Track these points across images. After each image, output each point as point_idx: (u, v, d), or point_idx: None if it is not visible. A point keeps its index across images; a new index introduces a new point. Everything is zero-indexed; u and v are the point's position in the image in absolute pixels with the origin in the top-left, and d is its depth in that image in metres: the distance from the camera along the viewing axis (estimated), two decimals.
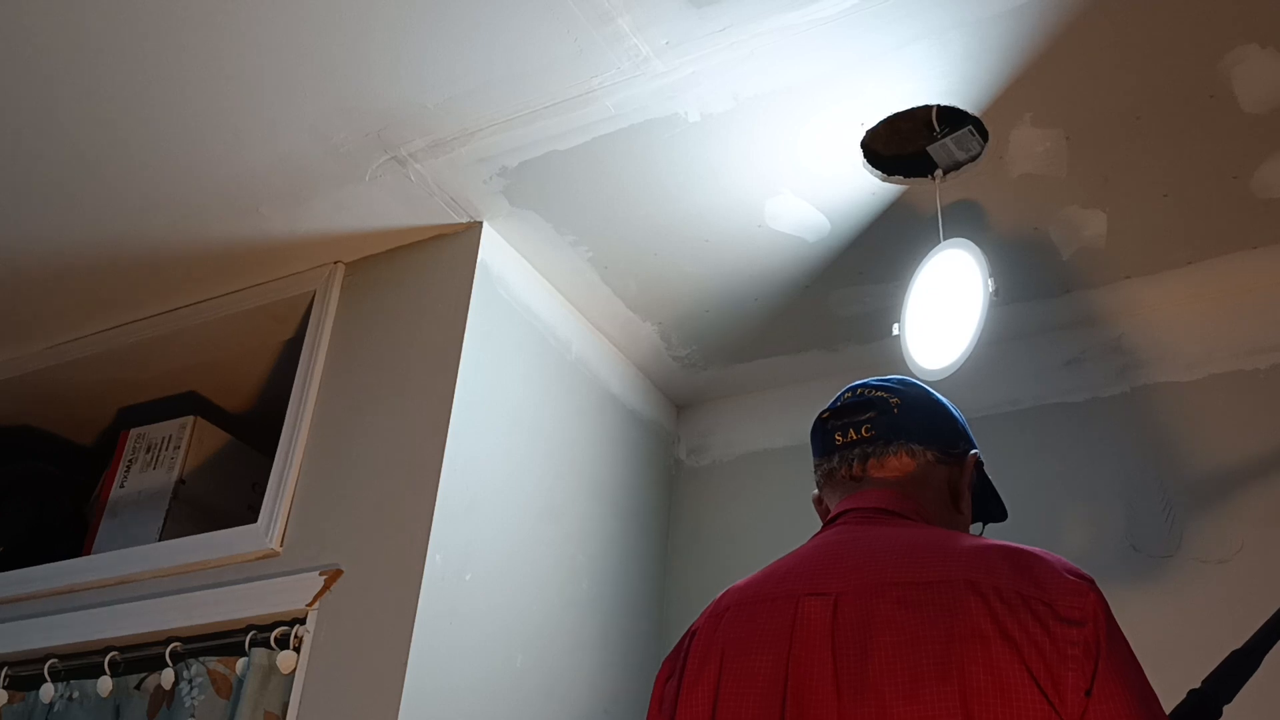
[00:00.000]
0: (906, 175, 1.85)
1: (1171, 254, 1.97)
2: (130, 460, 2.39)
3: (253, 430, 2.48)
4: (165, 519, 2.23)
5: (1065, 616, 1.02)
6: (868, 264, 2.04)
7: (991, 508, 1.40)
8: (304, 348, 2.10)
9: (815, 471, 1.34)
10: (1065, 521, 1.97)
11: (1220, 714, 1.16)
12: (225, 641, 1.85)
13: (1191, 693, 1.16)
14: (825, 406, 1.35)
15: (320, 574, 1.80)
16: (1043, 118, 1.71)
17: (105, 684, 1.92)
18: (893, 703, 1.02)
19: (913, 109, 1.73)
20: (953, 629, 1.03)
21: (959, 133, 1.75)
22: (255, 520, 1.93)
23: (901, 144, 1.82)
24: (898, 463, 1.27)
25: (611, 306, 2.21)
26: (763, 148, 1.80)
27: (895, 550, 1.14)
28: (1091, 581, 1.06)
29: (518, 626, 1.87)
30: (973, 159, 1.81)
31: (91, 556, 2.16)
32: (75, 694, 1.95)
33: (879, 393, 1.31)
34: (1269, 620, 1.23)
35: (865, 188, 1.88)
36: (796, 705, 1.06)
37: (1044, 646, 1.00)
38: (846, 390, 1.35)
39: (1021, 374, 2.16)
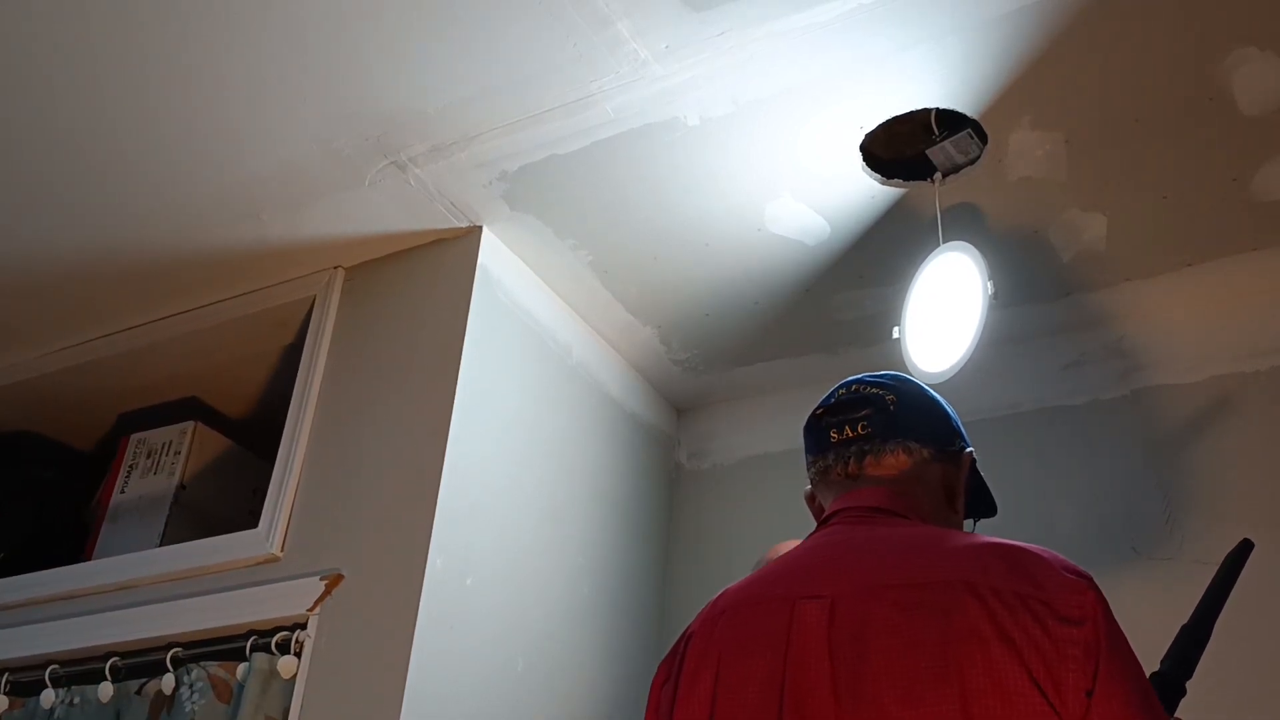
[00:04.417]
0: (906, 178, 1.85)
1: (1171, 256, 1.97)
2: (131, 465, 2.39)
3: (253, 435, 2.48)
4: (166, 524, 2.23)
5: (1064, 616, 1.01)
6: (868, 267, 2.04)
7: (983, 505, 1.40)
8: (304, 353, 2.10)
9: (809, 469, 1.33)
10: (1066, 524, 1.97)
11: (1184, 691, 1.16)
12: (226, 647, 1.85)
13: (1152, 676, 1.16)
14: (819, 403, 1.34)
15: (321, 579, 1.80)
16: (1042, 121, 1.71)
17: (106, 689, 1.92)
18: (892, 707, 1.01)
19: (912, 112, 1.73)
20: (950, 631, 1.02)
21: (958, 136, 1.75)
22: (256, 525, 1.93)
23: (901, 147, 1.82)
24: (894, 460, 1.26)
25: (612, 310, 2.21)
26: (762, 151, 1.80)
27: (891, 551, 1.13)
28: (1090, 579, 1.06)
29: (518, 630, 1.87)
30: (972, 162, 1.81)
31: (92, 562, 2.16)
32: (76, 699, 1.95)
33: (874, 389, 1.30)
34: (1207, 591, 1.23)
35: (865, 191, 1.88)
36: (795, 710, 1.06)
37: (1043, 647, 1.00)
38: (840, 387, 1.33)
39: (1022, 377, 2.16)
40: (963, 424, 1.35)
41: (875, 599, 1.08)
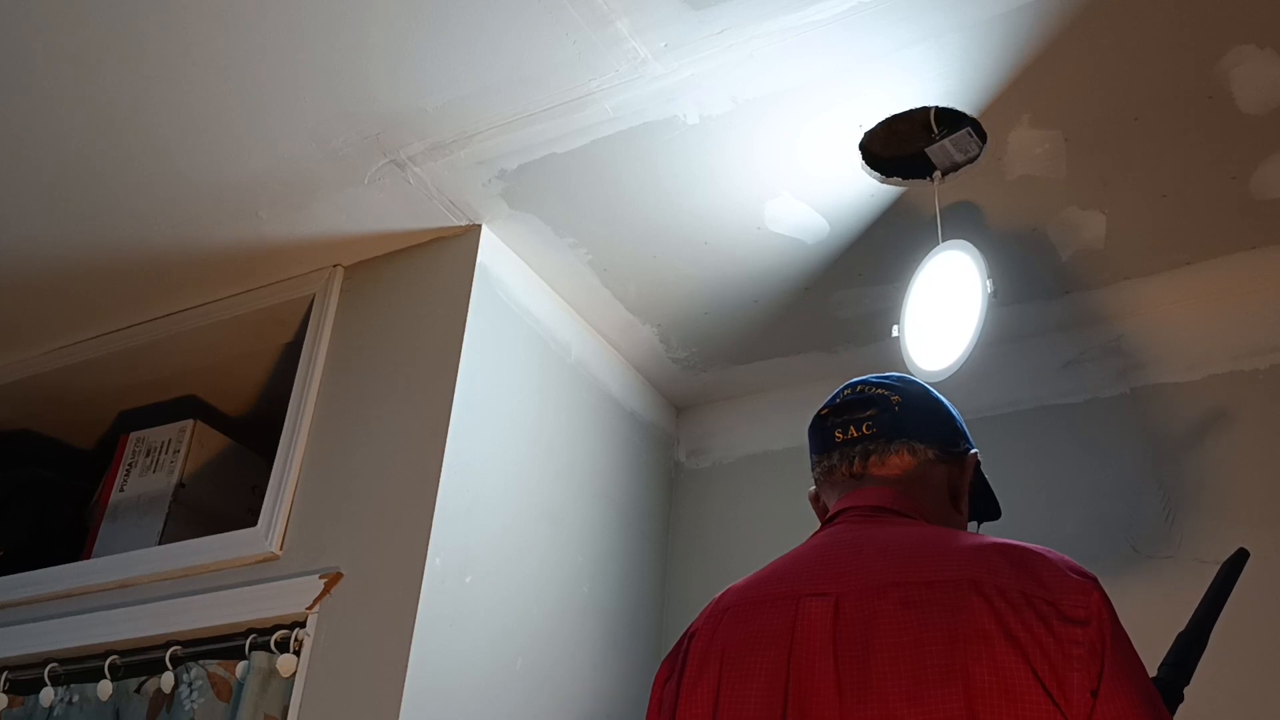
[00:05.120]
0: (905, 177, 1.85)
1: (1170, 255, 1.97)
2: (130, 464, 2.39)
3: (252, 433, 2.48)
4: (165, 522, 2.23)
5: (1069, 616, 1.02)
6: (867, 266, 2.05)
7: (987, 507, 1.40)
8: (303, 351, 2.10)
9: (813, 469, 1.34)
10: (1065, 523, 1.97)
11: (1182, 698, 1.16)
12: (225, 645, 1.85)
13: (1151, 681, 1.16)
14: (823, 404, 1.34)
15: (320, 577, 1.80)
16: (1041, 119, 1.71)
17: (105, 688, 1.92)
18: (896, 705, 1.01)
19: (911, 111, 1.73)
20: (956, 630, 1.03)
21: (957, 134, 1.76)
22: (255, 523, 1.93)
23: (900, 146, 1.82)
24: (899, 460, 1.26)
25: (611, 309, 2.21)
26: (762, 150, 1.80)
27: (896, 549, 1.14)
28: (1095, 580, 1.06)
29: (518, 629, 1.87)
30: (971, 160, 1.81)
31: (91, 560, 2.16)
32: (75, 698, 1.95)
33: (879, 390, 1.30)
34: (1205, 597, 1.23)
35: (864, 190, 1.88)
36: (798, 708, 1.06)
37: (1048, 646, 1.00)
38: (845, 387, 1.34)
39: (1021, 375, 2.16)
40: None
41: (880, 597, 1.08)
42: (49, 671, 2.00)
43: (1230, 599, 1.24)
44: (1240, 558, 1.26)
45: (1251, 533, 1.82)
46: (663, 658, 2.22)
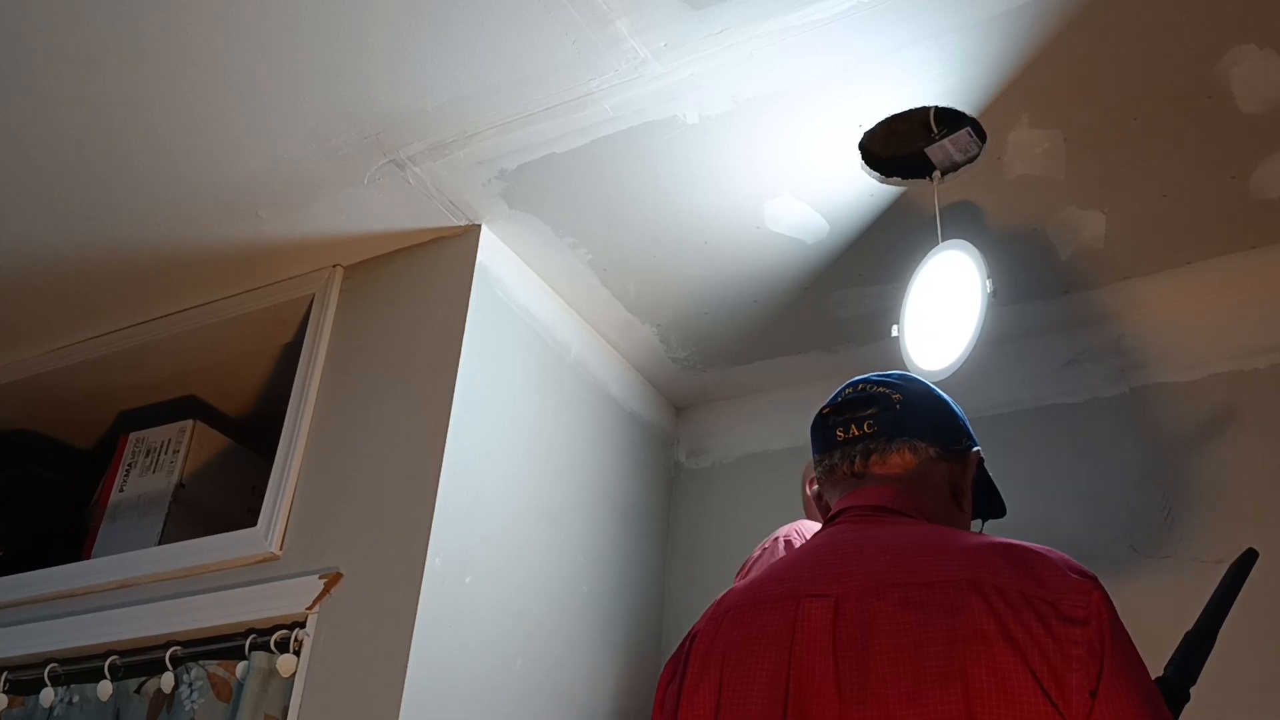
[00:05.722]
0: (905, 177, 1.85)
1: (1170, 254, 1.97)
2: (130, 464, 2.39)
3: (252, 433, 2.48)
4: (165, 522, 2.23)
5: (1068, 616, 1.01)
6: (867, 265, 2.05)
7: (991, 505, 1.40)
8: (303, 351, 2.10)
9: (815, 468, 1.33)
10: (1065, 522, 1.97)
11: (1189, 697, 1.16)
12: (225, 645, 1.85)
13: (1156, 681, 1.16)
14: (825, 402, 1.34)
15: (320, 577, 1.80)
16: (1041, 119, 1.71)
17: (105, 688, 1.92)
18: (895, 705, 1.01)
19: (910, 110, 1.73)
20: (955, 630, 1.03)
21: (957, 134, 1.75)
22: (255, 524, 1.93)
23: (899, 145, 1.82)
24: (900, 459, 1.26)
25: (610, 308, 2.21)
26: (761, 150, 1.80)
27: (896, 550, 1.14)
28: (1095, 580, 1.06)
29: (517, 629, 1.87)
30: (971, 160, 1.81)
31: (91, 560, 2.16)
32: (75, 698, 1.95)
33: (880, 388, 1.30)
34: (1213, 597, 1.23)
35: (864, 189, 1.88)
36: (798, 708, 1.06)
37: (1047, 647, 1.00)
38: (847, 386, 1.34)
39: (1020, 375, 2.16)
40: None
41: (880, 598, 1.08)
42: (49, 672, 2.00)
43: (1236, 600, 1.24)
44: (1249, 558, 1.26)
45: (1251, 533, 1.82)
46: (662, 657, 2.22)
